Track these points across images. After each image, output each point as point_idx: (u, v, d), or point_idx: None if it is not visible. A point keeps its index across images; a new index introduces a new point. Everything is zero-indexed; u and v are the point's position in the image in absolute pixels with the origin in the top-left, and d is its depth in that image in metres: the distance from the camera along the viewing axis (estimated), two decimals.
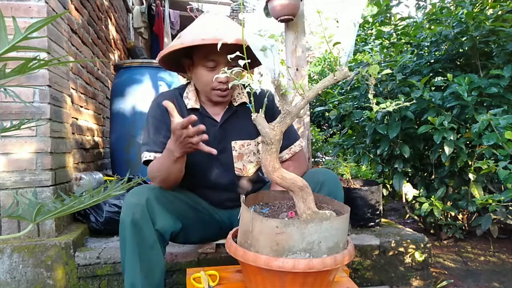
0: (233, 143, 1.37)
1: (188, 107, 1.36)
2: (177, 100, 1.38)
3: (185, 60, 1.34)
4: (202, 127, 1.08)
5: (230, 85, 0.93)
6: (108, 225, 1.86)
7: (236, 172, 1.38)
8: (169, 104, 1.12)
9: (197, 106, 1.36)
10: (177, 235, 1.28)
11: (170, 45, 1.26)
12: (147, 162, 1.30)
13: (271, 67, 0.89)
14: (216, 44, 1.21)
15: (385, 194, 2.48)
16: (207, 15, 1.37)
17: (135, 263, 1.13)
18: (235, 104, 1.39)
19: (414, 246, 1.85)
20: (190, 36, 1.23)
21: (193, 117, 1.07)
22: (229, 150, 1.37)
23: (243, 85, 0.91)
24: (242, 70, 0.90)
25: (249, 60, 0.90)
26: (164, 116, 1.33)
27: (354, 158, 2.85)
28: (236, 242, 1.03)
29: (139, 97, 2.56)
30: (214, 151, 1.12)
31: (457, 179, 2.19)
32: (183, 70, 1.40)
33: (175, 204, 1.26)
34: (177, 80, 2.77)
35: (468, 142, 2.05)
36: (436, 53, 2.37)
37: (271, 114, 1.33)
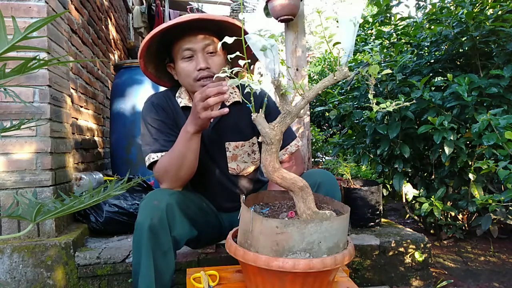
0: (227, 144, 1.36)
1: (181, 105, 1.35)
2: (170, 100, 1.37)
3: (169, 66, 1.35)
4: (224, 83, 1.09)
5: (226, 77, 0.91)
6: (108, 225, 1.86)
7: (230, 171, 1.38)
8: None
9: (190, 104, 1.34)
10: (190, 241, 1.27)
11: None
12: (153, 165, 1.27)
13: (271, 67, 0.89)
14: (188, 32, 1.24)
15: (385, 194, 2.48)
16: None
17: (151, 268, 1.11)
18: (227, 104, 1.36)
19: (414, 246, 1.85)
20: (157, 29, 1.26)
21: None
22: (223, 151, 1.36)
23: (230, 79, 0.89)
24: (242, 71, 0.90)
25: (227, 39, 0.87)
26: (160, 115, 1.32)
27: (354, 158, 2.85)
28: (236, 242, 1.03)
29: (139, 97, 2.56)
30: (226, 110, 1.12)
31: (457, 179, 2.19)
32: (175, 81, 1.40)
33: (191, 209, 1.25)
34: None
35: (468, 142, 2.04)
36: (436, 53, 2.37)
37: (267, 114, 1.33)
